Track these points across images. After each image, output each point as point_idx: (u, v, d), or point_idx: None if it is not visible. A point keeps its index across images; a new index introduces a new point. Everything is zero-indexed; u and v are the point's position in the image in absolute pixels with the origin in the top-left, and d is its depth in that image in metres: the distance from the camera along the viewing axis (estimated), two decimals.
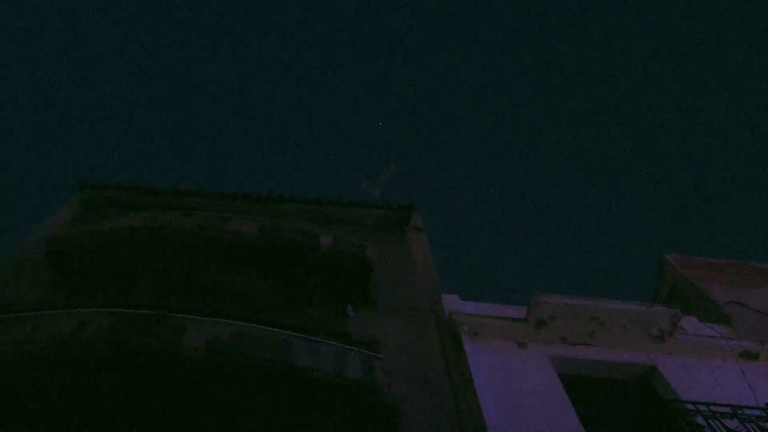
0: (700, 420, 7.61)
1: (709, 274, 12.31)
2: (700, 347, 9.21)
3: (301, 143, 51.39)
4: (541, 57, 52.86)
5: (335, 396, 6.34)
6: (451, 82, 54.78)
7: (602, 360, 8.87)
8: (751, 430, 7.02)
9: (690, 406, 7.79)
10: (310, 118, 52.32)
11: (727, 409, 7.55)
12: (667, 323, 9.08)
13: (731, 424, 7.21)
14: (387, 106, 53.98)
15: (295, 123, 52.70)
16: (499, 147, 52.37)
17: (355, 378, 6.35)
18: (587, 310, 8.99)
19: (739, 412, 7.19)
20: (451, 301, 9.77)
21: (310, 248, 9.05)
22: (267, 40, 50.92)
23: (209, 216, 9.12)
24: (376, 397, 6.37)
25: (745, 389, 8.49)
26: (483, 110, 53.42)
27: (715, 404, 7.66)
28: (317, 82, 52.49)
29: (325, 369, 6.32)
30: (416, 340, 8.60)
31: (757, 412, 7.32)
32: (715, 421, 7.50)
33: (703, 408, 7.67)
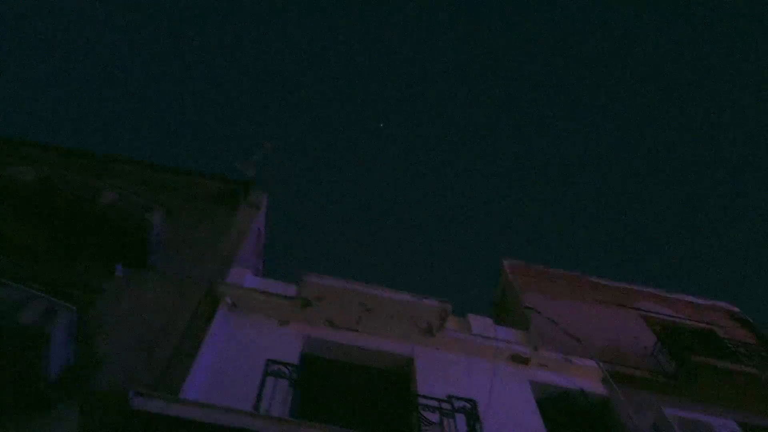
0: (429, 414, 7.52)
1: (538, 282, 12.30)
2: (470, 346, 9.17)
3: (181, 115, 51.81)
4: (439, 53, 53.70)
5: (2, 339, 6.22)
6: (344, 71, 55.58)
7: (362, 346, 8.79)
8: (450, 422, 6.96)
9: (422, 400, 7.70)
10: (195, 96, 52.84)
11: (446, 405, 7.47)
12: (435, 317, 9.02)
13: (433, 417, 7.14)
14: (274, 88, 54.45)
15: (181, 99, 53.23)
16: (385, 138, 53.32)
17: (25, 322, 6.24)
18: (355, 296, 8.91)
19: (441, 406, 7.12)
20: (239, 276, 9.65)
21: (86, 202, 8.95)
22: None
23: None
24: (45, 344, 6.25)
25: (493, 388, 8.43)
26: (367, 98, 54.48)
27: (441, 399, 7.59)
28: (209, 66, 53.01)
29: None
30: (171, 305, 8.49)
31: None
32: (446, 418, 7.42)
33: (433, 403, 7.59)
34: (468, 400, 6.98)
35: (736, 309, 13.14)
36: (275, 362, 6.76)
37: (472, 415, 6.85)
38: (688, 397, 9.30)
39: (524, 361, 9.24)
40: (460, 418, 7.09)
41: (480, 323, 10.02)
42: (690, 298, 13.13)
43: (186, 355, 7.66)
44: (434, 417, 7.09)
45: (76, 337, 6.86)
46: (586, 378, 9.29)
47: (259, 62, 54.73)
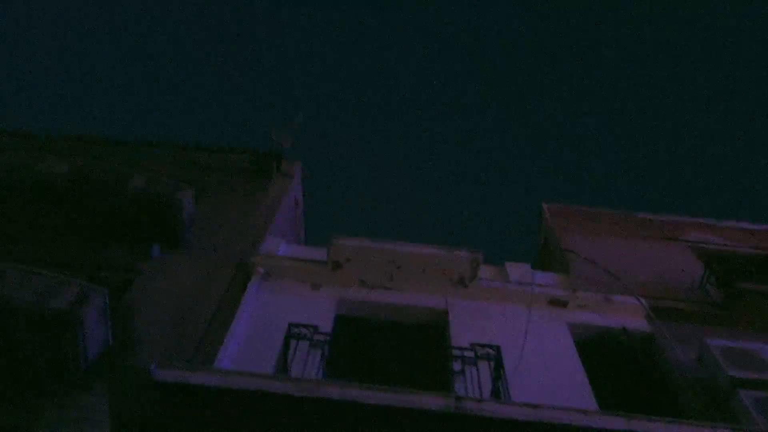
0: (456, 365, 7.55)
1: (580, 223, 12.03)
2: (505, 293, 9.09)
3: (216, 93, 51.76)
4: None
5: (37, 325, 6.55)
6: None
7: (395, 303, 8.85)
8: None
9: (456, 352, 7.72)
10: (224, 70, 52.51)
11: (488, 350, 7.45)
12: (467, 268, 8.98)
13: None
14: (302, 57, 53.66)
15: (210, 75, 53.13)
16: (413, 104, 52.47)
17: (57, 308, 6.54)
18: (384, 254, 8.95)
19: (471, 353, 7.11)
20: (273, 245, 9.83)
21: (117, 188, 9.24)
22: None
23: (23, 156, 9.38)
24: (78, 327, 6.55)
25: (530, 333, 8.36)
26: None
27: (463, 348, 7.58)
28: (234, 34, 52.68)
29: (26, 299, 6.54)
30: (205, 280, 8.72)
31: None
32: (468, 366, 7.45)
33: (464, 353, 7.61)
34: (492, 347, 6.94)
35: None
36: (297, 325, 6.88)
37: (497, 361, 6.81)
38: (737, 326, 8.99)
39: (563, 304, 9.10)
40: (488, 366, 7.08)
41: (517, 270, 9.91)
42: (745, 225, 12.55)
43: (220, 326, 7.88)
44: (458, 366, 7.10)
45: (112, 319, 7.14)
46: (628, 316, 9.09)
47: (284, 33, 54.54)
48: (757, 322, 9.02)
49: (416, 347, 8.53)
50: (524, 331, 8.25)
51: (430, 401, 5.58)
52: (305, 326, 6.94)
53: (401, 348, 8.51)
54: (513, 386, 7.24)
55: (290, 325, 6.95)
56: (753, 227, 12.53)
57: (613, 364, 8.65)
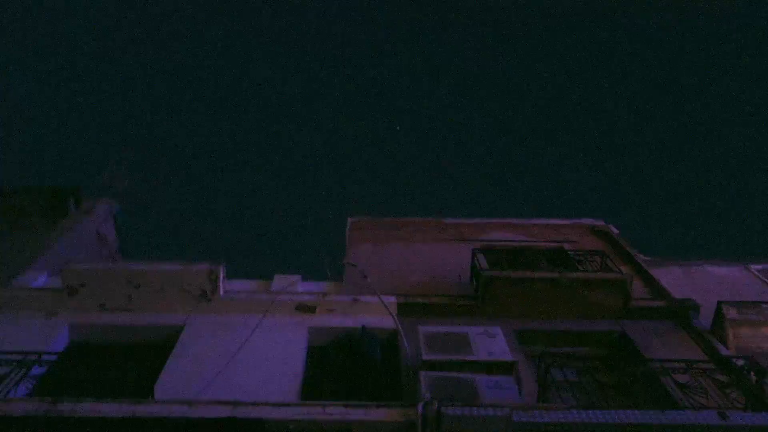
0: None
1: (379, 233, 12.05)
2: (250, 304, 8.97)
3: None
4: None
5: None
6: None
7: (133, 324, 8.67)
8: None
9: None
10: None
11: None
12: (206, 281, 8.86)
13: None
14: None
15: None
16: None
17: None
18: (119, 275, 8.80)
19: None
20: (29, 279, 9.63)
21: None
22: None
23: None
24: None
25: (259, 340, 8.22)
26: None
27: None
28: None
29: None
30: None
31: None
32: None
33: None
34: None
35: (601, 223, 12.65)
36: None
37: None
38: (487, 314, 9.00)
39: (311, 309, 8.99)
40: None
41: (283, 281, 9.81)
42: (552, 221, 12.70)
43: None
44: None
45: None
46: (379, 315, 8.98)
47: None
48: (507, 307, 9.05)
49: (150, 367, 8.32)
50: (247, 338, 8.12)
51: (21, 407, 5.39)
52: None
53: (135, 369, 8.31)
54: (217, 387, 7.16)
55: None
56: (559, 222, 12.66)
57: (359, 363, 8.51)
